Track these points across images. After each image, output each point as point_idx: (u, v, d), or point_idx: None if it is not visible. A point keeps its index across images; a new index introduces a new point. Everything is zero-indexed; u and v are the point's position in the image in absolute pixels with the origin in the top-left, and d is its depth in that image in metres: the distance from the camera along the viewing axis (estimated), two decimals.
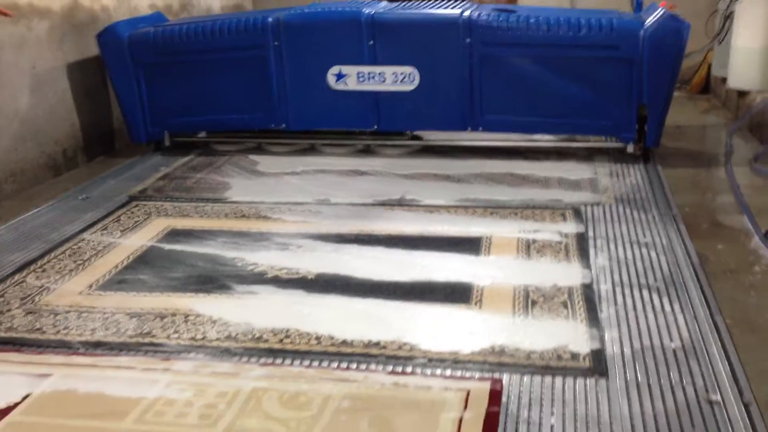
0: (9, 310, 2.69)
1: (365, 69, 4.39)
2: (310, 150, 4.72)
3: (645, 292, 2.64)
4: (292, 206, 3.69)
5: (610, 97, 4.19)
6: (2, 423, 2.03)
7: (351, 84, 4.43)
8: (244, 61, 4.51)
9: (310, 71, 4.47)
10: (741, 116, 5.00)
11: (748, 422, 1.91)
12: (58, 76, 4.50)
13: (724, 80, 5.40)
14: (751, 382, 2.08)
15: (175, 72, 4.62)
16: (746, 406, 1.97)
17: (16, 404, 2.12)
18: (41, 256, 3.18)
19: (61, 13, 4.53)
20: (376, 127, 4.55)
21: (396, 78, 4.36)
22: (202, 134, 4.96)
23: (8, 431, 2.00)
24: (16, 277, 2.98)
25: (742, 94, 5.08)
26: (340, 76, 4.43)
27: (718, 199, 3.65)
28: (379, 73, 4.37)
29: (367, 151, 4.66)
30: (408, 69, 4.33)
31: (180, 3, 6.02)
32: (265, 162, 4.53)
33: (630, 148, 4.32)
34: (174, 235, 3.38)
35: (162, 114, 4.72)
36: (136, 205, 3.80)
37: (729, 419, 1.93)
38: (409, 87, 4.37)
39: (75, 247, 3.28)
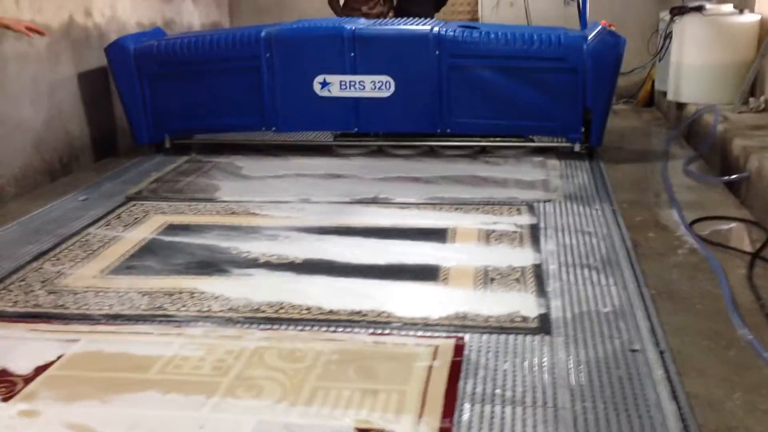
0: (32, 291, 3.05)
1: (347, 78, 4.95)
2: (290, 155, 5.16)
3: (585, 271, 3.11)
4: (278, 204, 4.10)
5: (560, 103, 4.80)
6: (42, 376, 2.40)
7: (334, 91, 4.98)
8: (238, 71, 5.03)
9: (298, 80, 5.01)
10: (677, 125, 5.56)
11: (662, 364, 2.37)
12: (56, 88, 4.86)
13: (665, 94, 5.96)
14: (667, 336, 2.54)
15: (176, 81, 5.12)
16: (661, 353, 2.43)
17: (53, 362, 2.48)
18: (53, 248, 3.53)
19: (60, 30, 4.90)
20: (356, 129, 5.12)
21: (374, 86, 4.91)
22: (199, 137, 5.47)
23: (48, 383, 2.36)
24: (34, 264, 3.34)
25: (680, 106, 5.64)
26: (324, 84, 4.96)
27: (653, 196, 4.16)
28: (359, 82, 4.93)
29: (340, 156, 5.12)
30: (385, 78, 4.90)
31: (163, 21, 6.41)
32: (249, 167, 4.93)
33: (577, 147, 4.94)
34: (172, 229, 3.76)
35: (163, 118, 5.21)
36: (134, 205, 4.18)
37: (647, 363, 2.39)
38: (385, 93, 4.93)
39: (83, 239, 3.64)
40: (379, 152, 5.18)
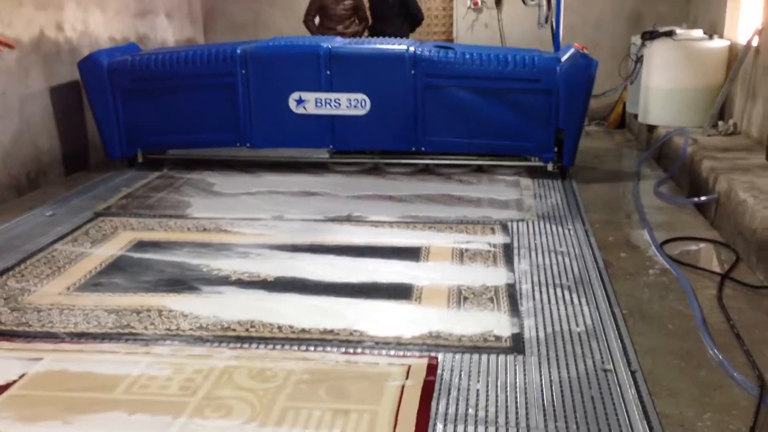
0: None
1: (322, 95, 4.95)
2: (263, 172, 5.12)
3: (558, 290, 3.11)
4: (250, 222, 4.06)
5: (533, 123, 4.85)
6: (4, 396, 2.32)
7: (310, 108, 4.98)
8: (214, 87, 5.02)
9: (274, 97, 5.00)
10: (648, 147, 5.62)
11: (634, 384, 2.36)
12: (25, 103, 4.78)
13: (636, 116, 6.03)
14: (638, 356, 2.54)
15: (150, 96, 5.08)
16: (632, 373, 2.43)
17: (14, 381, 2.41)
18: (18, 264, 3.45)
19: (30, 44, 4.83)
20: (331, 146, 5.11)
21: (350, 104, 4.92)
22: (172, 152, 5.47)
23: (10, 403, 2.29)
24: None
25: (651, 128, 5.71)
26: (300, 101, 4.96)
27: (624, 217, 4.19)
28: (335, 99, 4.93)
29: (315, 173, 5.09)
30: (360, 96, 4.91)
31: (137, 36, 6.36)
32: (221, 183, 4.88)
33: (550, 167, 4.98)
34: (141, 245, 3.70)
35: (136, 133, 5.18)
36: (102, 221, 4.10)
37: (618, 382, 2.38)
38: (361, 111, 4.94)
39: (49, 256, 3.56)
40: (357, 171, 5.18)
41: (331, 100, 4.95)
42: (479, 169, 5.13)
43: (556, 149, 4.89)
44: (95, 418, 2.20)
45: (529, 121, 4.83)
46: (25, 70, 4.78)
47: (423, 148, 5.01)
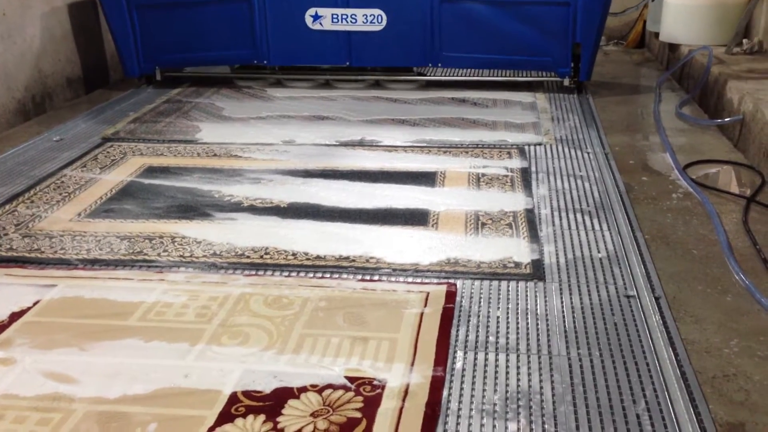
0: (6, 234, 2.93)
1: (339, 11, 4.87)
2: (272, 96, 5.00)
3: (578, 215, 3.04)
4: (261, 147, 3.97)
5: (550, 37, 4.75)
6: (18, 323, 2.30)
7: (326, 24, 4.91)
8: (230, 3, 4.92)
9: (290, 12, 4.93)
10: (669, 67, 5.44)
11: (658, 310, 2.32)
12: (28, 23, 4.63)
13: (657, 35, 5.82)
14: (662, 282, 2.49)
15: (166, 12, 5.00)
16: (656, 299, 2.38)
17: (29, 308, 2.39)
18: (27, 190, 3.40)
19: None
20: (348, 63, 5.07)
21: (366, 19, 4.83)
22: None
23: (25, 329, 2.27)
24: (7, 207, 3.20)
25: (672, 47, 5.51)
26: (316, 17, 4.87)
27: (645, 140, 4.08)
28: (351, 15, 4.84)
29: (327, 98, 4.96)
30: (376, 11, 4.81)
31: None
32: (230, 108, 4.77)
33: (566, 82, 4.94)
34: (151, 171, 3.63)
35: (153, 51, 5.12)
36: (111, 146, 4.02)
37: (642, 309, 2.33)
38: (377, 27, 4.85)
39: (58, 181, 3.50)
40: (367, 92, 5.05)
41: (347, 16, 4.85)
42: (491, 86, 5.06)
43: (572, 64, 4.79)
44: (112, 344, 2.18)
45: (546, 35, 4.73)
46: None
47: (439, 64, 4.95)
